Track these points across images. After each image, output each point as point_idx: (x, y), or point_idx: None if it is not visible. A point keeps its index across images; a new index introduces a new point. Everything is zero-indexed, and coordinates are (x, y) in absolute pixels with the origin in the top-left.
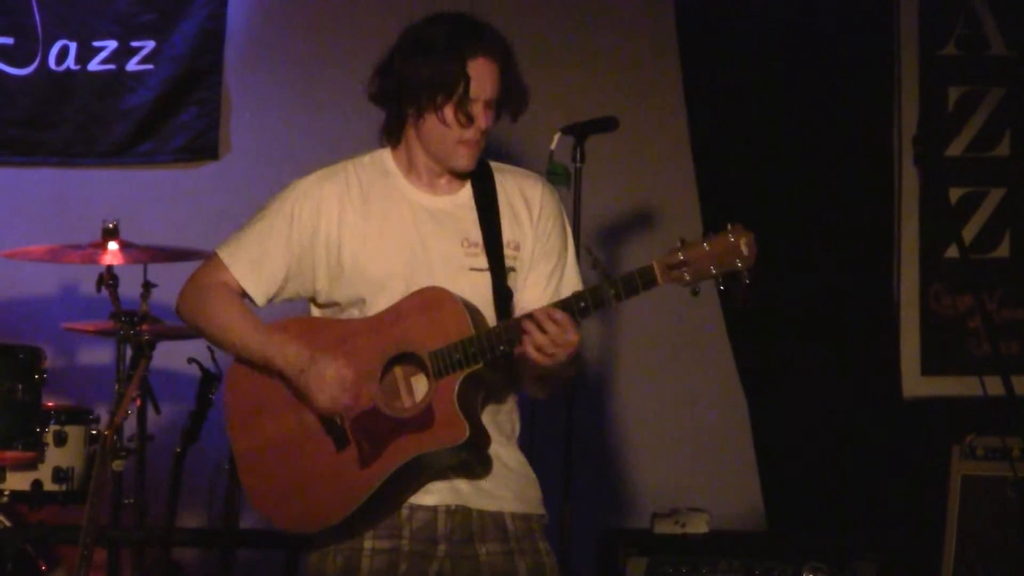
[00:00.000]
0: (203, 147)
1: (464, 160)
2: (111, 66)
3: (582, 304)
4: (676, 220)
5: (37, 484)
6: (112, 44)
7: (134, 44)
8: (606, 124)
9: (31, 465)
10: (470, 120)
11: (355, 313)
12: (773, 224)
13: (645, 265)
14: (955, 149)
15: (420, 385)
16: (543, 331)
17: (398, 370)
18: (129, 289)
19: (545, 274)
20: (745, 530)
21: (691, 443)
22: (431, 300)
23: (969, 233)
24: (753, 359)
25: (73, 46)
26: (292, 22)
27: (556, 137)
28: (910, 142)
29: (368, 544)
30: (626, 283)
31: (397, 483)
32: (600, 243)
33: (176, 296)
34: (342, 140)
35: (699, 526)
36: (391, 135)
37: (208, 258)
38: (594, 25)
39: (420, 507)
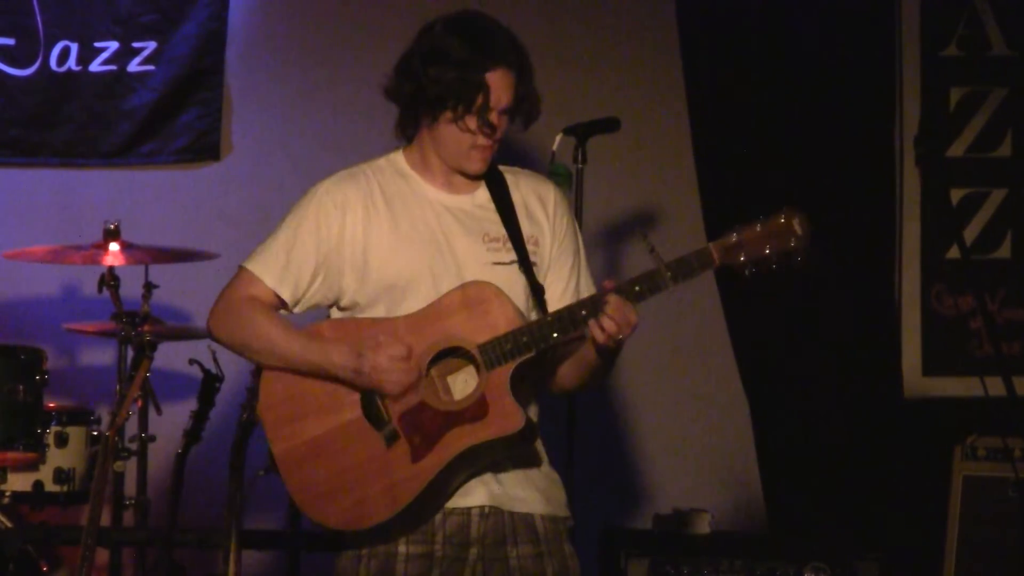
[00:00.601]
0: (205, 148)
1: (476, 164)
2: (113, 67)
3: (636, 288)
4: (678, 221)
5: (38, 485)
6: (114, 45)
7: (136, 45)
8: (608, 125)
9: (32, 466)
10: (489, 129)
11: (381, 312)
12: None
13: (701, 247)
14: (956, 150)
15: (457, 383)
16: (607, 313)
17: (449, 364)
18: (131, 290)
19: (565, 273)
20: (747, 530)
21: (693, 443)
22: (474, 295)
23: (970, 234)
24: (755, 359)
25: (75, 47)
26: (293, 22)
27: (558, 138)
28: (911, 142)
29: (402, 549)
30: (681, 265)
31: (447, 477)
32: (602, 244)
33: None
34: (344, 140)
35: (701, 526)
36: (404, 133)
37: (236, 274)
38: (595, 25)
39: (454, 510)
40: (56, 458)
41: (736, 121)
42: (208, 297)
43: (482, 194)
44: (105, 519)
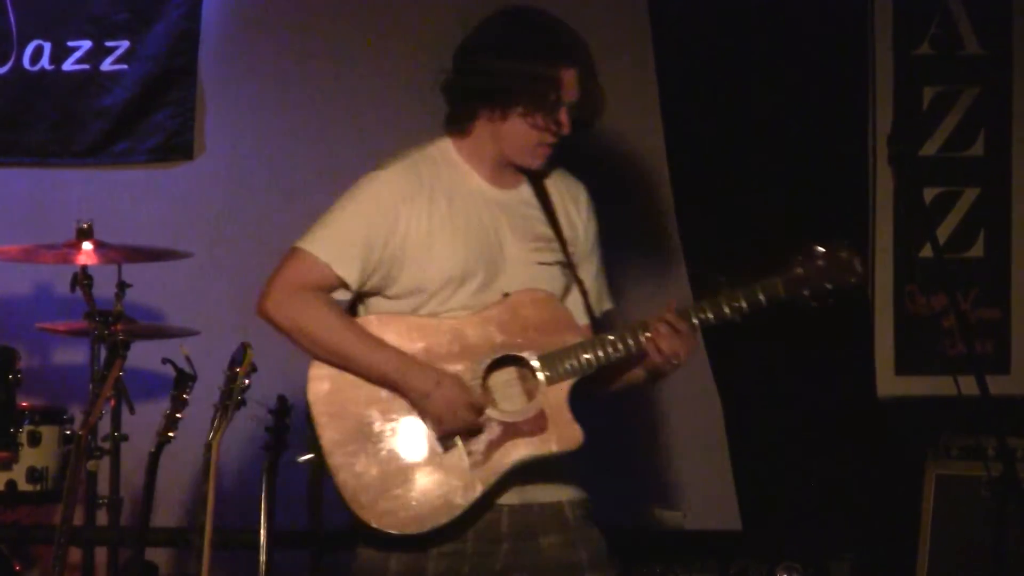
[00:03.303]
0: (178, 147)
1: (539, 160)
2: (86, 66)
3: (702, 315)
4: (651, 220)
5: (11, 484)
6: (87, 44)
7: (109, 44)
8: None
9: (5, 465)
10: (560, 126)
11: (434, 304)
12: (748, 224)
13: (768, 280)
14: (929, 149)
15: (514, 390)
16: (670, 340)
17: (509, 373)
18: (103, 289)
19: (591, 274)
20: (719, 529)
21: (665, 443)
22: (539, 305)
23: (943, 233)
24: (727, 358)
25: (47, 46)
26: (267, 22)
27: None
28: (884, 141)
29: (433, 547)
30: (748, 296)
31: (500, 485)
32: None
33: (265, 298)
34: (318, 140)
35: (674, 525)
36: (458, 126)
37: (291, 255)
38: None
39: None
40: (29, 457)
41: (709, 120)
42: (181, 296)
43: (525, 190)
44: (78, 518)
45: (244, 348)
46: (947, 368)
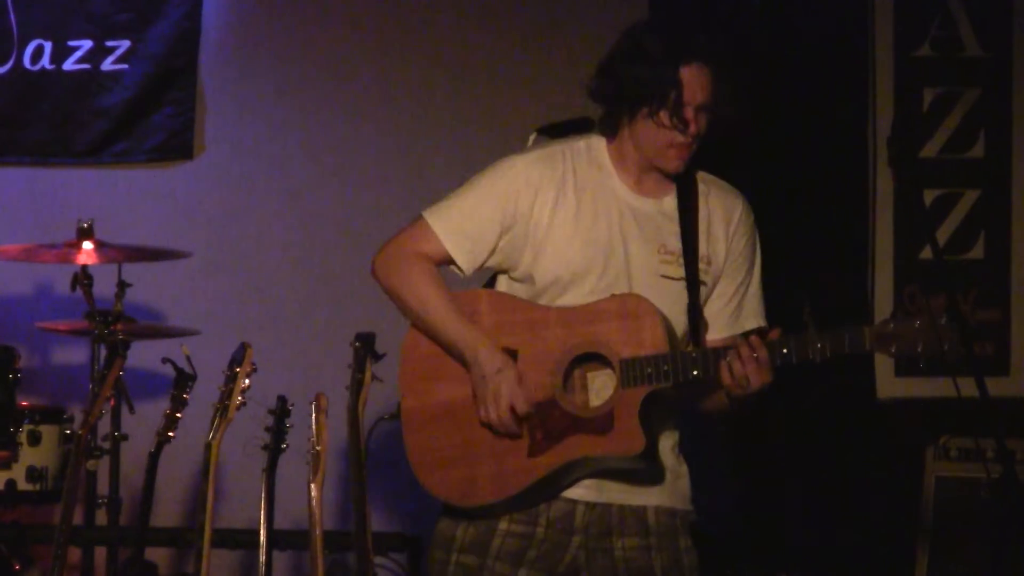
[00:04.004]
0: (178, 147)
1: (673, 163)
2: (86, 65)
3: (784, 351)
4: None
5: (11, 483)
6: (87, 44)
7: (109, 43)
8: (581, 125)
9: (5, 464)
10: (683, 124)
11: (545, 298)
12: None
13: (856, 328)
14: (930, 150)
15: (596, 387)
16: (743, 364)
17: (591, 371)
18: (103, 289)
19: (730, 291)
20: (718, 533)
21: None
22: (631, 308)
23: (943, 234)
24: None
25: (48, 45)
26: (267, 22)
27: (532, 137)
28: (884, 143)
29: (503, 525)
30: (833, 341)
31: (558, 477)
32: None
33: (376, 259)
34: (317, 139)
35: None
36: (607, 129)
37: (414, 221)
38: (569, 24)
39: (560, 497)
40: (29, 456)
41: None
42: (181, 296)
43: (670, 202)
44: (77, 518)
45: (244, 348)
46: (947, 370)
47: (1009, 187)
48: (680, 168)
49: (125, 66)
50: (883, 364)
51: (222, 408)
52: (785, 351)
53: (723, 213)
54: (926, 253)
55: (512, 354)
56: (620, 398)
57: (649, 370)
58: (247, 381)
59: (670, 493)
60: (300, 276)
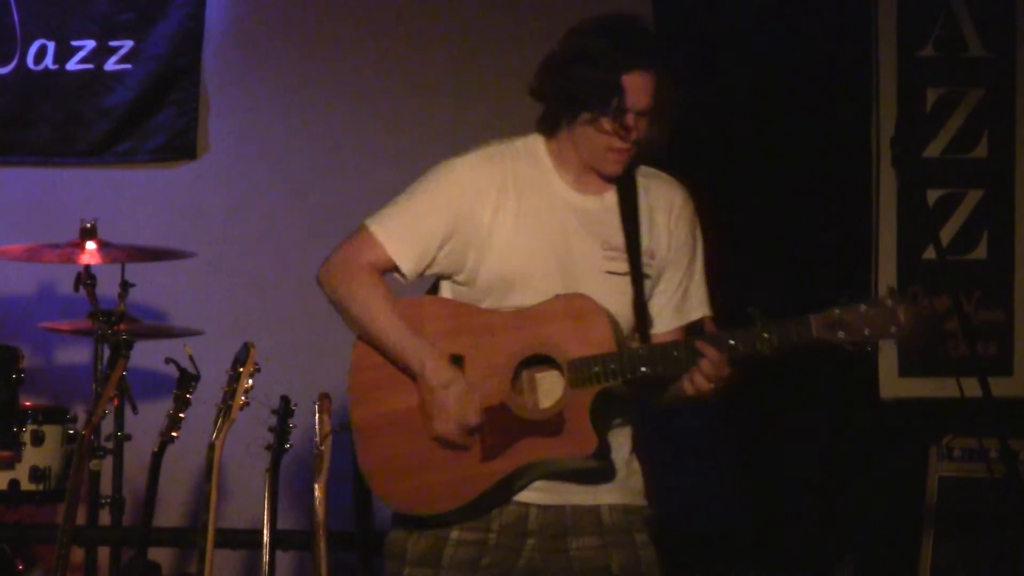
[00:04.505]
0: (181, 146)
1: (612, 167)
2: (89, 65)
3: (731, 342)
4: None
5: (14, 483)
6: (90, 44)
7: (112, 44)
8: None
9: (8, 464)
10: (623, 131)
11: (490, 300)
12: (750, 225)
13: (802, 318)
14: (933, 150)
15: (545, 389)
16: (702, 370)
17: (540, 373)
18: (107, 288)
19: (675, 282)
20: (723, 532)
21: (669, 446)
22: (578, 308)
23: (947, 234)
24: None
25: (51, 45)
26: (270, 22)
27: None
28: (888, 143)
29: (455, 534)
30: (781, 336)
31: (511, 482)
32: None
33: (323, 268)
34: (321, 139)
35: (677, 529)
36: (547, 128)
37: (358, 231)
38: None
39: (513, 501)
40: (32, 456)
41: (711, 123)
42: (184, 296)
43: (610, 197)
44: (81, 518)
45: (247, 348)
46: (950, 370)
47: (1012, 187)
48: (619, 172)
49: (128, 66)
50: (886, 364)
51: (225, 408)
52: (732, 342)
53: (664, 204)
54: (929, 253)
55: (459, 360)
56: (570, 399)
57: (597, 369)
58: (250, 381)
59: (622, 491)
60: (304, 276)
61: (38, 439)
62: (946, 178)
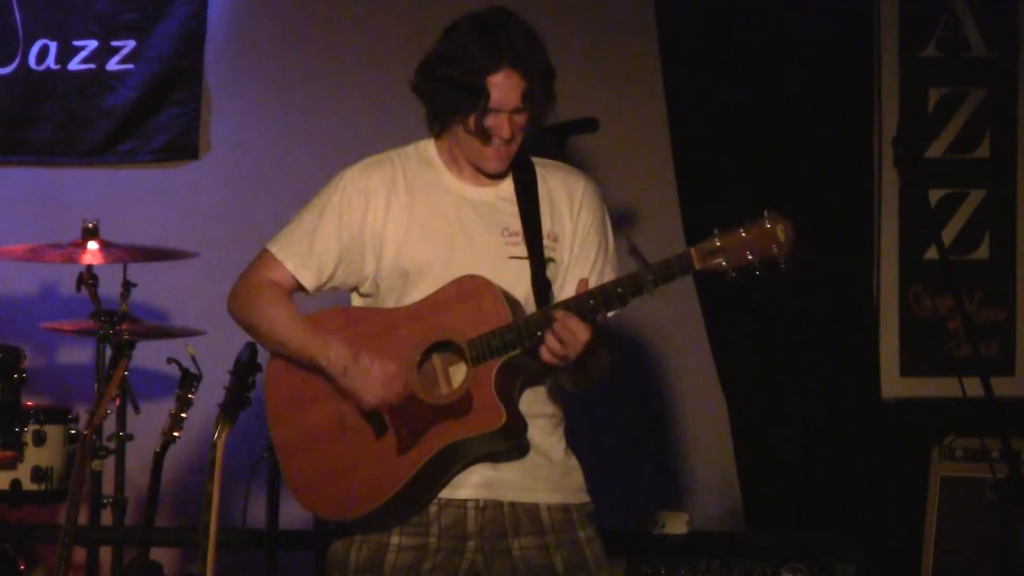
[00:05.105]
0: (183, 146)
1: (491, 164)
2: (91, 65)
3: (619, 291)
4: (656, 222)
5: (16, 483)
6: (92, 43)
7: (114, 44)
8: (587, 125)
9: (10, 464)
10: (485, 135)
11: (392, 301)
12: None
13: (682, 252)
14: (935, 150)
15: (458, 374)
16: (553, 330)
17: (436, 359)
18: (109, 288)
19: (586, 269)
20: (724, 531)
21: (670, 444)
22: (470, 289)
23: (949, 234)
24: (733, 359)
25: (53, 45)
26: (272, 22)
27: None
28: (890, 143)
29: (395, 540)
30: (662, 269)
31: (434, 470)
32: None
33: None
34: (322, 139)
35: (678, 527)
36: (434, 129)
37: (258, 255)
38: (574, 25)
39: (450, 503)
40: (34, 456)
41: (715, 122)
42: (186, 296)
43: (507, 187)
44: (83, 518)
45: (249, 348)
46: (952, 370)
47: (1014, 187)
48: (501, 168)
49: (130, 66)
50: (889, 364)
51: (227, 408)
52: (620, 291)
53: (565, 192)
54: (932, 253)
55: None
56: (474, 377)
57: (496, 343)
58: (252, 381)
59: (561, 489)
60: None
61: (40, 439)
62: (948, 178)
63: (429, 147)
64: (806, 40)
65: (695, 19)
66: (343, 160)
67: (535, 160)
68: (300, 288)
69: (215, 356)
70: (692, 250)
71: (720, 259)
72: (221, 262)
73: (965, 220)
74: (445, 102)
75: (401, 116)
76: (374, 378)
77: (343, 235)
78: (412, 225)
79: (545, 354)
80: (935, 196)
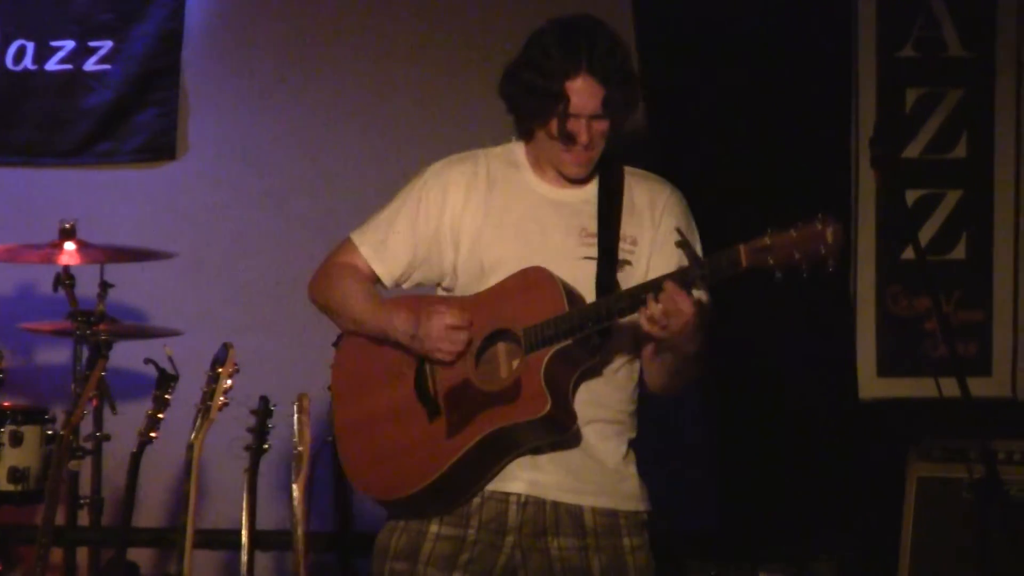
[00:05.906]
0: (161, 147)
1: (571, 168)
2: (69, 66)
3: (675, 281)
4: None
5: None
6: (70, 44)
7: (92, 44)
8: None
9: None
10: (567, 138)
11: (469, 292)
12: (730, 225)
13: (730, 248)
14: (912, 151)
15: (518, 362)
16: (656, 300)
17: (501, 347)
18: (86, 289)
19: (667, 267)
20: (701, 532)
21: (646, 444)
22: (532, 280)
23: (926, 235)
24: (710, 360)
25: (31, 46)
26: (250, 22)
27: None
28: (867, 143)
29: (434, 528)
30: (712, 265)
31: (479, 458)
32: None
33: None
34: (301, 139)
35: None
36: (521, 133)
37: (342, 242)
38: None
39: (493, 495)
40: (11, 457)
41: (693, 122)
42: (164, 296)
43: (590, 190)
44: (60, 518)
45: (226, 348)
46: (929, 370)
47: (991, 187)
48: (581, 174)
49: (108, 66)
50: (866, 364)
51: (204, 408)
52: (676, 281)
53: (648, 198)
54: (908, 253)
55: None
56: (526, 365)
57: (549, 332)
58: (229, 382)
59: (611, 494)
60: (283, 277)
61: (17, 440)
62: (925, 178)
63: (517, 149)
64: (783, 40)
65: (673, 19)
66: (322, 160)
67: (627, 169)
68: (376, 279)
69: (192, 357)
70: (741, 247)
71: (768, 257)
72: (198, 263)
73: (942, 220)
74: (527, 106)
75: (379, 117)
76: (438, 336)
77: (418, 229)
78: (489, 220)
79: (645, 323)
80: (912, 196)
